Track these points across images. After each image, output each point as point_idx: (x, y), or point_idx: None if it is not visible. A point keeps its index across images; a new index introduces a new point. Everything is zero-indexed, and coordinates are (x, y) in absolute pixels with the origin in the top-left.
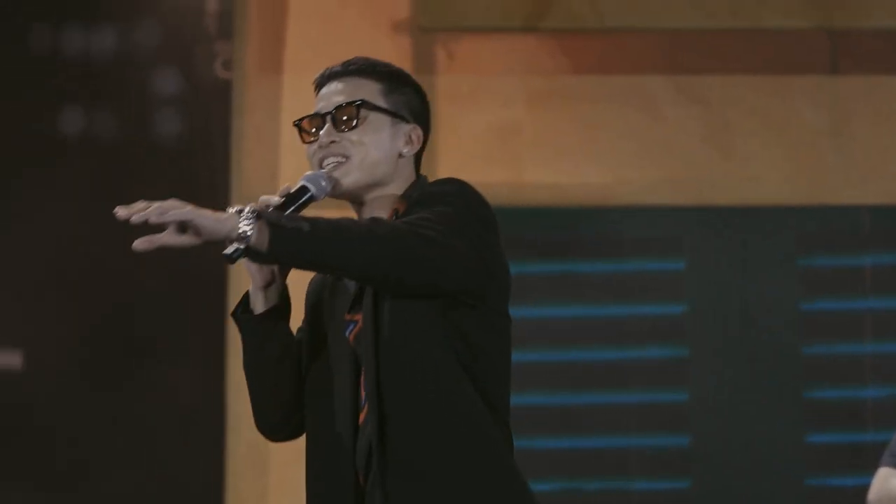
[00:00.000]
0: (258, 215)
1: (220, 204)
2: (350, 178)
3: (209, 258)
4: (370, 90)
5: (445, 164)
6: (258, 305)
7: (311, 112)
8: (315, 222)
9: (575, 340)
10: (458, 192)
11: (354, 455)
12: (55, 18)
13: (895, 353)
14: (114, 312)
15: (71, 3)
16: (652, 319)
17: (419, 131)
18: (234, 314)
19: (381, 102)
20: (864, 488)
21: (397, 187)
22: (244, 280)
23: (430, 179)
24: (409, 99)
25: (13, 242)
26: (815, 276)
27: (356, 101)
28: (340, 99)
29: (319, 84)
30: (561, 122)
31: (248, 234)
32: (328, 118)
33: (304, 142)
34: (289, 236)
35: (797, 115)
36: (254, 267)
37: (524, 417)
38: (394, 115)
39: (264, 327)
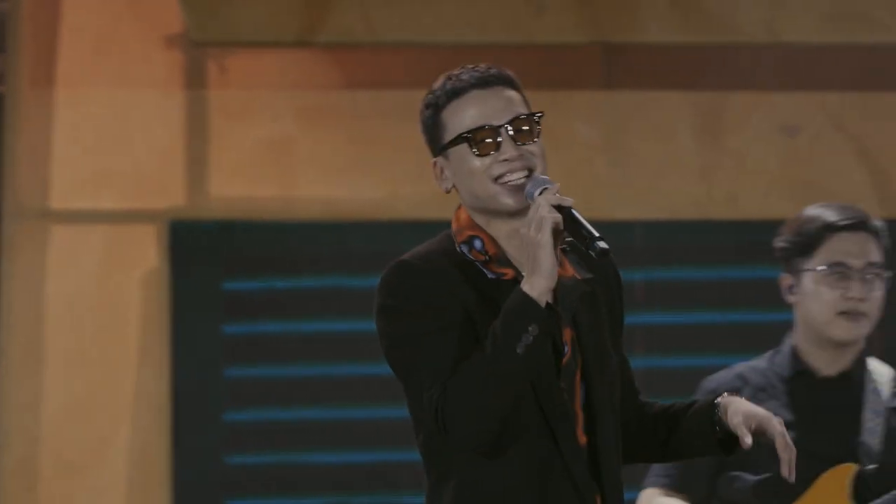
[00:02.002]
0: None
1: None
2: None
3: None
4: (521, 100)
5: (217, 180)
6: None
7: (470, 125)
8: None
9: (348, 355)
10: None
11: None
12: None
13: (665, 366)
14: None
15: None
16: None
17: None
18: (547, 317)
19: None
20: None
21: None
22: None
23: (194, 194)
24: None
25: None
26: None
27: (538, 114)
28: (512, 110)
29: (455, 94)
30: (334, 137)
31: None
32: (503, 130)
33: (479, 154)
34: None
35: (571, 131)
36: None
37: (296, 432)
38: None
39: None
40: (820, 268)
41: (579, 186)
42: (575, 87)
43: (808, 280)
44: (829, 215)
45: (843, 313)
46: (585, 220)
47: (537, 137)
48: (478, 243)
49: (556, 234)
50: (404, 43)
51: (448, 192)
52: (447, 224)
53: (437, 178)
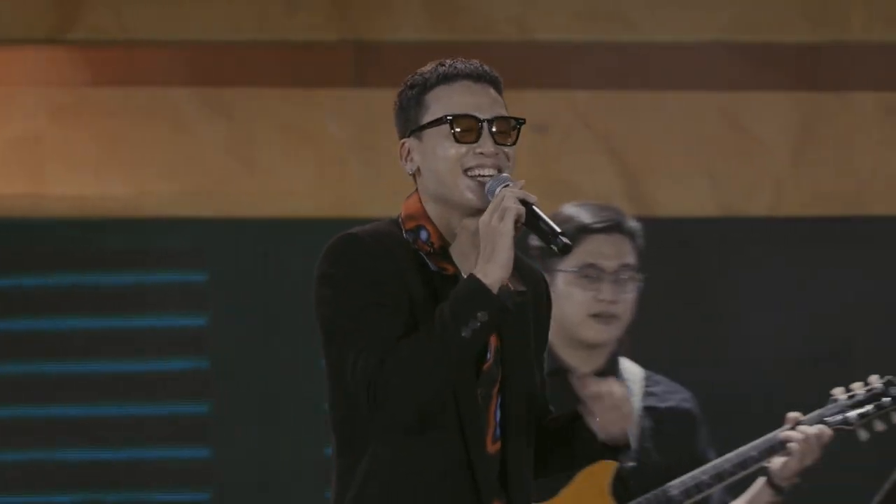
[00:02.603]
0: None
1: None
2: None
3: None
4: (504, 105)
5: None
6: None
7: (456, 109)
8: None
9: (97, 352)
10: None
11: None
12: None
13: None
14: None
15: None
16: (174, 331)
17: None
18: (500, 307)
19: None
20: None
21: None
22: None
23: None
24: None
25: None
26: None
27: (520, 119)
28: (497, 109)
29: (447, 78)
30: (84, 135)
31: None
32: (485, 125)
33: (457, 140)
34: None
35: (323, 128)
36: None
37: (44, 429)
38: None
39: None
40: (571, 269)
41: (330, 184)
42: (327, 85)
43: (560, 280)
44: (585, 216)
45: (595, 315)
46: (546, 217)
47: (513, 142)
48: (423, 234)
49: (516, 227)
50: (156, 41)
51: (411, 175)
52: (195, 222)
53: (401, 158)
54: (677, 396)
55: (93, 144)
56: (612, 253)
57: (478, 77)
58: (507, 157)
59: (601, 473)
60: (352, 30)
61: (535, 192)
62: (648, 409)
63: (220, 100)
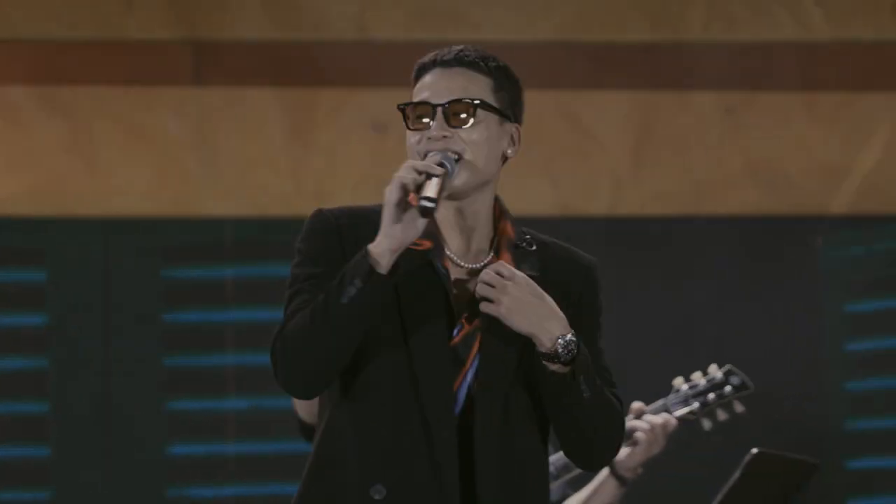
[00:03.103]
0: None
1: None
2: (460, 178)
3: None
4: (482, 86)
5: None
6: (384, 266)
7: (417, 98)
8: (594, 389)
9: None
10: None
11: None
12: None
13: (255, 363)
14: None
15: None
16: (12, 330)
17: (519, 131)
18: (370, 273)
19: (492, 100)
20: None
21: (491, 190)
22: None
23: None
24: (513, 96)
25: None
26: (178, 287)
27: (475, 101)
28: (455, 93)
29: (424, 68)
30: None
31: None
32: (439, 110)
33: (408, 128)
34: (576, 385)
35: (162, 127)
36: (406, 226)
37: None
38: (501, 114)
39: (383, 290)
40: None
41: (170, 183)
42: (165, 84)
43: None
44: None
45: None
46: (437, 188)
47: (469, 124)
48: None
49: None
50: None
51: None
52: (35, 221)
53: None
54: None
55: None
56: None
57: (447, 63)
58: (465, 140)
59: None
60: (189, 28)
61: (373, 191)
62: None
63: (59, 98)
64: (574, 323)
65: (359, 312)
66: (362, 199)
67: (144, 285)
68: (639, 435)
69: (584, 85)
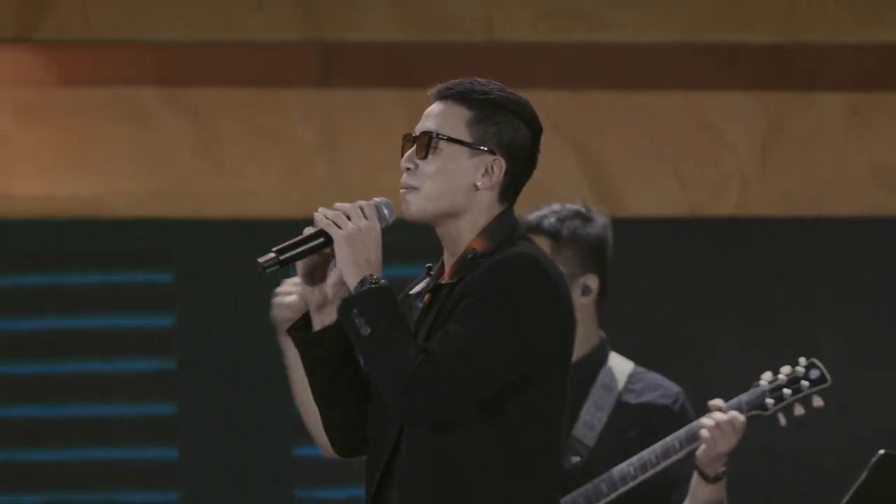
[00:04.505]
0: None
1: None
2: (413, 208)
3: None
4: (456, 119)
5: None
6: (315, 325)
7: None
8: (378, 326)
9: (63, 353)
10: (512, 295)
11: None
12: None
13: None
14: None
15: None
16: (141, 331)
17: (501, 163)
18: (290, 330)
19: (460, 133)
20: (352, 500)
21: (473, 219)
22: None
23: None
24: (500, 129)
25: None
26: None
27: (431, 133)
28: (427, 124)
29: (432, 95)
30: (51, 134)
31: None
32: (410, 142)
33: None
34: (350, 321)
35: (288, 128)
36: (307, 288)
37: (11, 430)
38: (471, 146)
39: (317, 346)
40: None
41: (297, 184)
42: (291, 85)
43: None
44: (532, 216)
45: None
46: (299, 240)
47: (426, 156)
48: None
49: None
50: (123, 40)
51: None
52: (162, 222)
53: None
54: (656, 393)
55: (61, 144)
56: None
57: (436, 96)
58: (419, 174)
59: None
60: (316, 29)
61: None
62: (622, 405)
63: (186, 99)
64: (456, 306)
65: (306, 348)
66: None
67: (272, 286)
68: (703, 432)
69: (712, 86)
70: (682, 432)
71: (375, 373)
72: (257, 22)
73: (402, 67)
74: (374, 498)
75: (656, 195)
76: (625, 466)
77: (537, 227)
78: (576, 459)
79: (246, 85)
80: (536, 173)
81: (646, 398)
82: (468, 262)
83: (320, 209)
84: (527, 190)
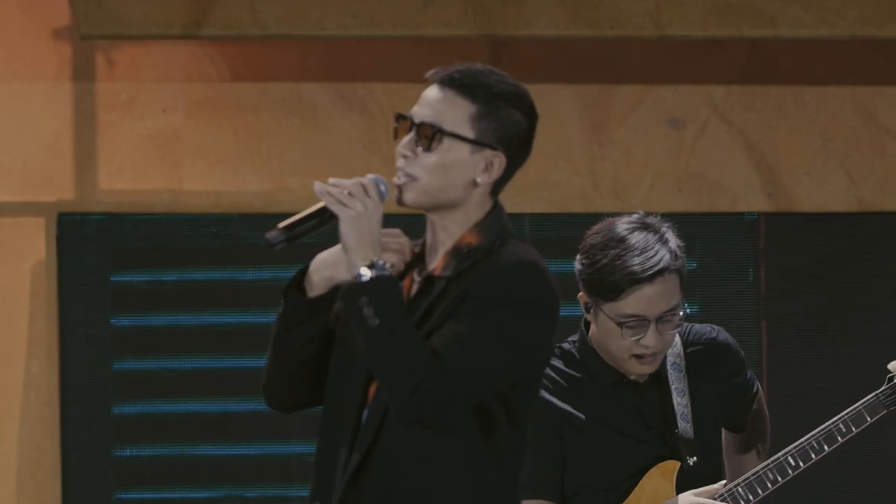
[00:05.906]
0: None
1: None
2: (410, 196)
3: None
4: (460, 113)
5: (104, 172)
6: (317, 289)
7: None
8: (388, 319)
9: (239, 347)
10: (519, 304)
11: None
12: None
13: None
14: None
15: None
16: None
17: (502, 158)
18: (287, 292)
19: (464, 129)
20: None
21: (467, 212)
22: None
23: (83, 187)
24: (502, 124)
25: None
26: None
27: (436, 128)
28: (428, 114)
29: (430, 79)
30: (221, 130)
31: (362, 277)
32: (414, 129)
33: (394, 136)
34: (357, 309)
35: None
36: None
37: (179, 425)
38: (474, 142)
39: (311, 311)
40: (619, 319)
41: None
42: None
43: (604, 318)
44: (634, 263)
45: (637, 356)
46: (304, 217)
47: (428, 149)
48: None
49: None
50: (291, 36)
51: None
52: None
53: None
54: (704, 334)
55: (230, 140)
56: (658, 300)
57: (443, 81)
58: (416, 164)
59: (665, 473)
60: (487, 25)
61: (670, 186)
62: (692, 375)
63: (356, 95)
64: (459, 305)
65: (287, 322)
66: (658, 195)
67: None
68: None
69: (881, 81)
70: (870, 397)
71: (379, 366)
72: (426, 17)
73: (572, 62)
74: (345, 493)
75: (824, 190)
76: (808, 439)
77: (662, 271)
78: (692, 460)
79: (415, 80)
80: (703, 167)
81: (705, 359)
82: (463, 255)
83: (318, 183)
84: (694, 183)
